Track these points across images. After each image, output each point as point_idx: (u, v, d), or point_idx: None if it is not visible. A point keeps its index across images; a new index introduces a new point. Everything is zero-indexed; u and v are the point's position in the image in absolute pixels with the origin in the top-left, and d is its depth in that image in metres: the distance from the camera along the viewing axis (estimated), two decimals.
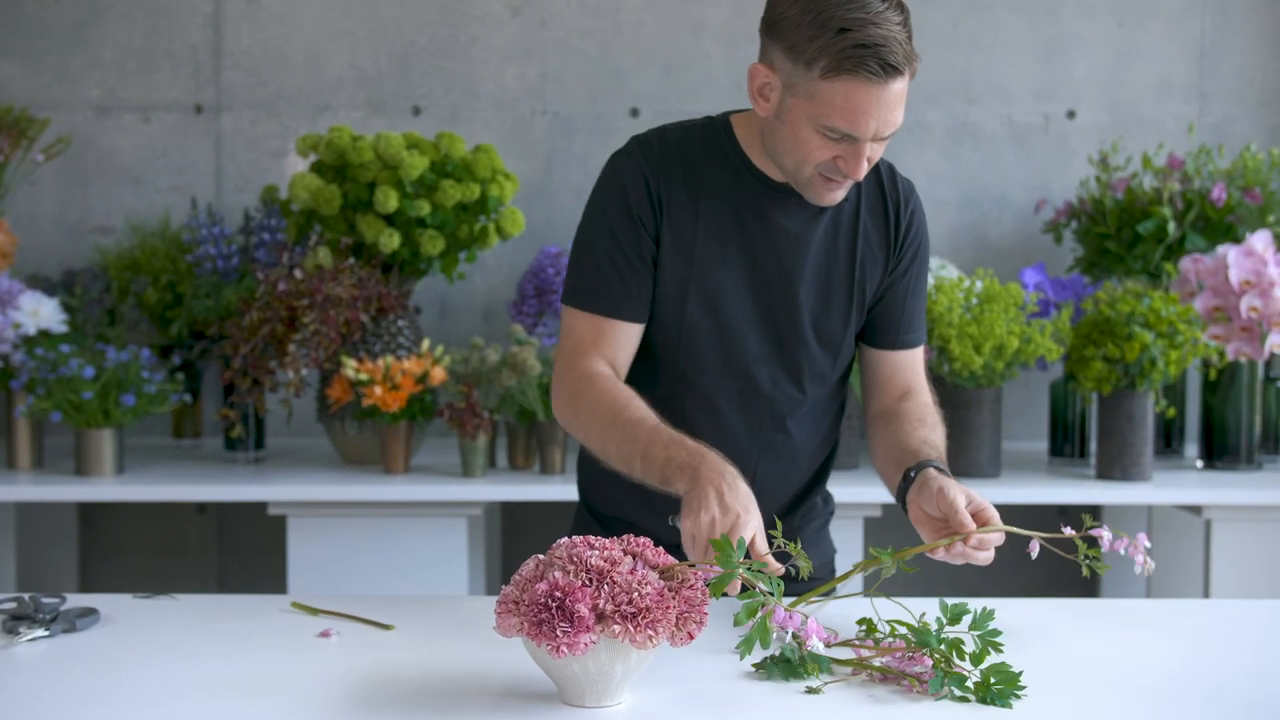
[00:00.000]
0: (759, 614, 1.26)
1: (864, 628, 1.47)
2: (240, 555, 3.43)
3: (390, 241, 2.77)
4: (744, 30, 3.39)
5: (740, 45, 3.39)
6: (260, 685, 1.36)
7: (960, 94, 3.41)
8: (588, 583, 1.24)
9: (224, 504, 3.39)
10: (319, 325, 2.68)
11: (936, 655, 1.35)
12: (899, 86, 1.56)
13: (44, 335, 2.79)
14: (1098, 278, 3.12)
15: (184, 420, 3.17)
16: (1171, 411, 2.92)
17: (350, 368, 2.69)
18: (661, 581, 1.27)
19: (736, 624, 1.26)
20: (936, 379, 3.01)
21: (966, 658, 1.35)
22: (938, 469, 1.62)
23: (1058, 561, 3.26)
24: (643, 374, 1.77)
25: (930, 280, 2.98)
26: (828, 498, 1.97)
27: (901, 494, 1.66)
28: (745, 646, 1.27)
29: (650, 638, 1.23)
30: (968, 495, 1.55)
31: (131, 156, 3.41)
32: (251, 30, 3.41)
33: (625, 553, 1.30)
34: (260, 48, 3.41)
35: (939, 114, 3.41)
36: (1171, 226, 2.95)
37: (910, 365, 1.83)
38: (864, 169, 1.60)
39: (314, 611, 1.64)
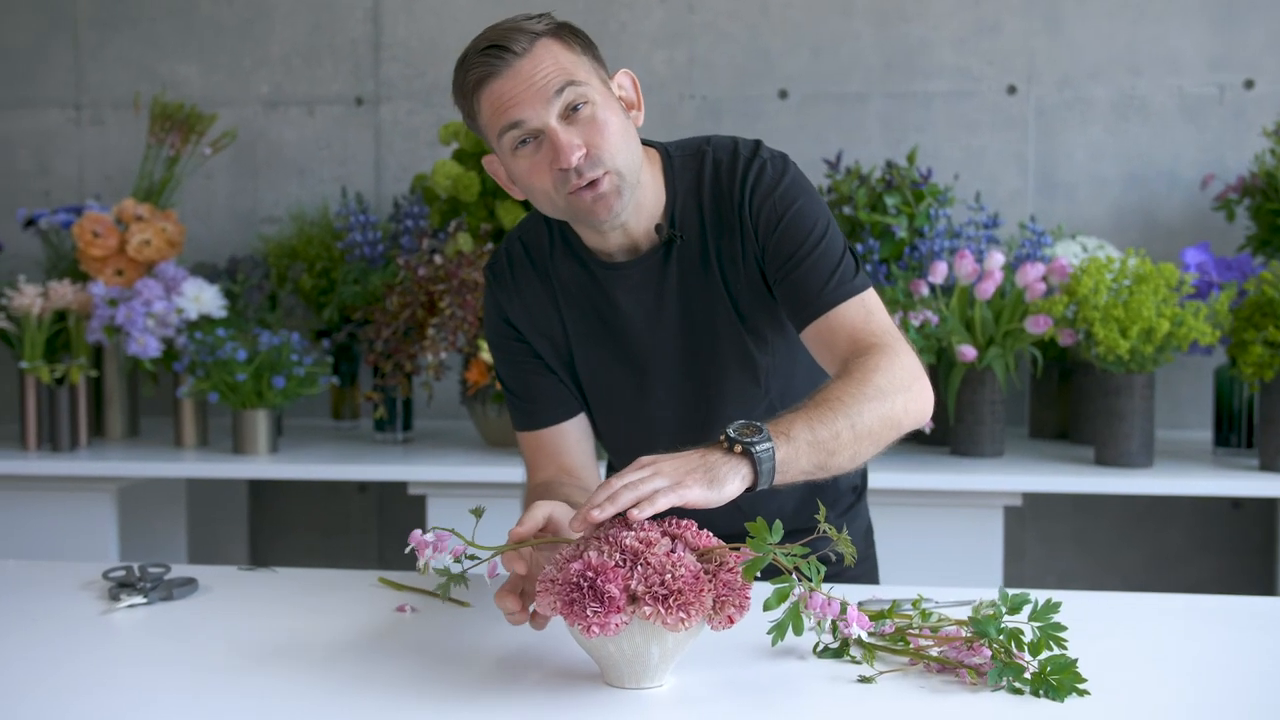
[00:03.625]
0: (790, 599, 1.23)
1: (918, 615, 1.42)
2: (398, 533, 3.54)
3: None
4: (894, 7, 3.31)
5: (891, 23, 3.31)
6: (327, 655, 1.41)
7: (1126, 66, 3.25)
8: (621, 563, 1.24)
9: (383, 483, 3.50)
10: (456, 309, 2.74)
11: (996, 646, 1.30)
12: (526, 61, 1.51)
13: (205, 320, 2.93)
14: (1270, 257, 2.94)
15: (342, 402, 3.28)
16: None
17: (486, 351, 2.74)
18: (699, 564, 1.25)
19: (766, 609, 1.24)
20: (1085, 364, 2.89)
21: (1025, 649, 1.29)
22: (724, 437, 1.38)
23: (1232, 558, 3.08)
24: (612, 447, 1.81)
25: (1076, 259, 2.87)
26: (851, 477, 1.89)
27: None
28: (778, 632, 1.24)
29: (683, 620, 1.22)
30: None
31: (297, 149, 3.55)
32: (409, 23, 3.50)
33: (665, 534, 1.29)
34: (417, 39, 3.50)
35: (1103, 88, 3.26)
36: None
37: (837, 328, 1.58)
38: (573, 155, 1.50)
39: (398, 587, 1.68)
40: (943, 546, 2.67)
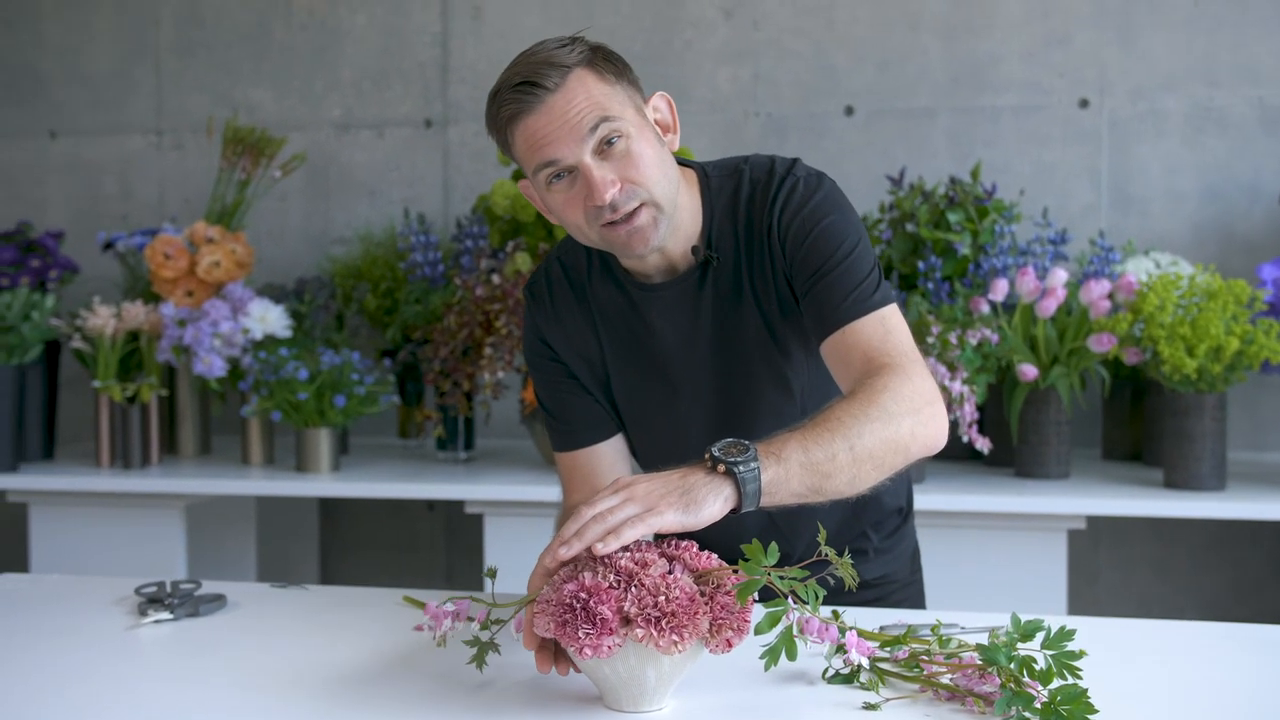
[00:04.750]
0: (781, 624, 1.21)
1: (935, 641, 1.39)
2: (465, 551, 3.56)
3: None
4: (962, 21, 3.26)
5: (958, 37, 3.27)
6: (337, 674, 1.41)
7: (1202, 77, 3.16)
8: (615, 585, 1.23)
9: (451, 502, 3.52)
10: (513, 329, 2.75)
11: (1005, 674, 1.26)
12: (559, 97, 1.48)
13: (270, 340, 2.98)
14: None
15: (408, 421, 3.31)
16: None
17: None
18: (695, 586, 1.24)
19: (757, 633, 1.21)
20: (1152, 383, 2.82)
21: (1038, 677, 1.25)
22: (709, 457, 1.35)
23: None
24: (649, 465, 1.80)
25: (1148, 276, 2.79)
26: (897, 494, 1.84)
27: None
28: (770, 657, 1.22)
29: (675, 643, 1.20)
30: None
31: (367, 171, 3.60)
32: (475, 45, 3.53)
33: (663, 555, 1.28)
34: (484, 62, 3.53)
35: (1177, 100, 3.17)
36: None
37: (853, 344, 1.54)
38: (607, 191, 1.49)
39: (420, 605, 1.68)
40: (1004, 571, 2.61)
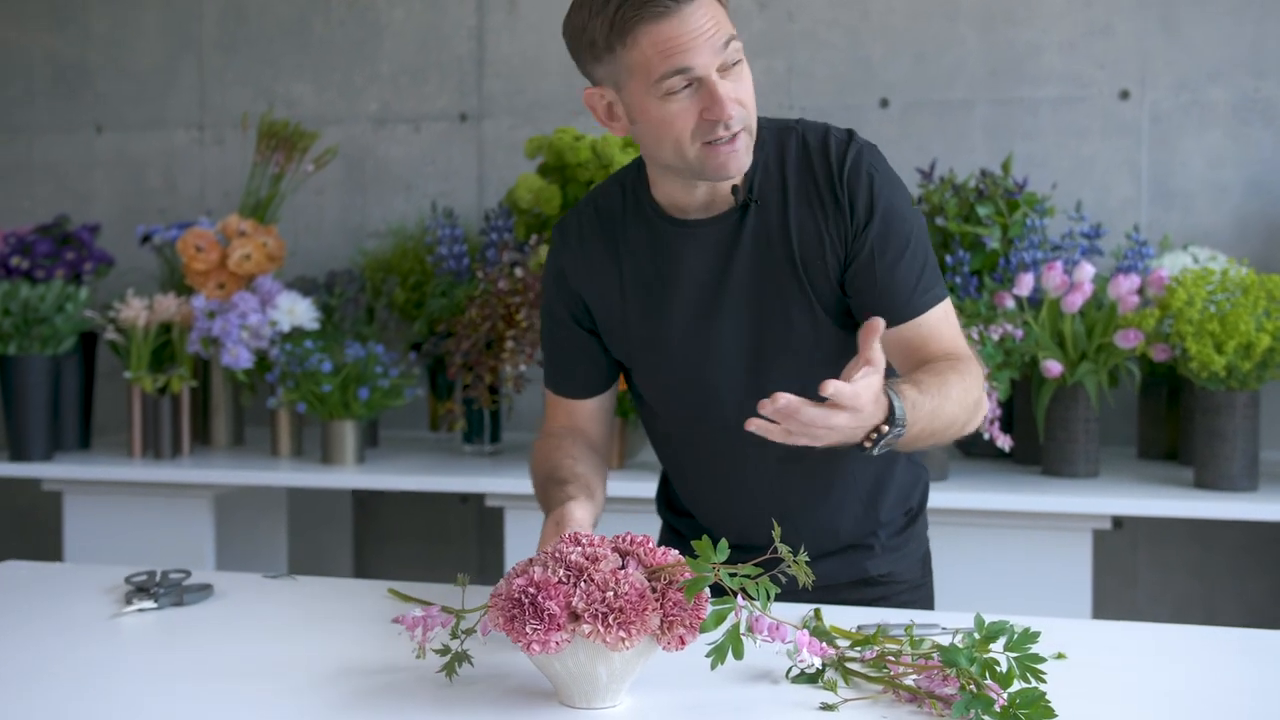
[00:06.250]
0: (727, 622, 1.18)
1: (907, 641, 1.36)
2: (497, 543, 3.56)
3: None
4: (1000, 10, 3.20)
5: (996, 27, 3.21)
6: (304, 666, 1.41)
7: (1248, 68, 3.08)
8: (564, 580, 1.21)
9: (483, 495, 3.53)
10: (533, 321, 2.75)
11: (965, 676, 1.22)
12: (695, 9, 1.49)
13: (298, 332, 3.00)
14: None
15: (438, 414, 3.32)
16: None
17: None
18: (647, 582, 1.22)
19: (703, 630, 1.19)
20: (1186, 380, 2.75)
21: (999, 680, 1.22)
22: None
23: None
24: (659, 432, 1.84)
25: (1178, 266, 2.72)
26: (908, 494, 1.85)
27: None
28: (717, 655, 1.19)
29: (623, 639, 1.18)
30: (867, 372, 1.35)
31: (404, 165, 3.61)
32: (511, 40, 3.53)
33: (617, 550, 1.26)
34: (519, 56, 3.53)
35: (1223, 90, 3.09)
36: None
37: (928, 336, 1.62)
38: (731, 108, 1.51)
39: (406, 599, 1.68)
40: (1028, 571, 2.56)
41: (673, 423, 1.79)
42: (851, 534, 1.79)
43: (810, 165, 1.63)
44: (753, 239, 1.64)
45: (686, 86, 1.51)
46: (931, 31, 3.26)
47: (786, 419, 1.30)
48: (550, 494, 1.66)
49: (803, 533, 1.69)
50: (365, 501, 3.65)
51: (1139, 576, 3.18)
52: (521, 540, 2.77)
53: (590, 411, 1.82)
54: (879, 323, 1.35)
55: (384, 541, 3.66)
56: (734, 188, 1.62)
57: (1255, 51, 3.07)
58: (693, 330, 1.68)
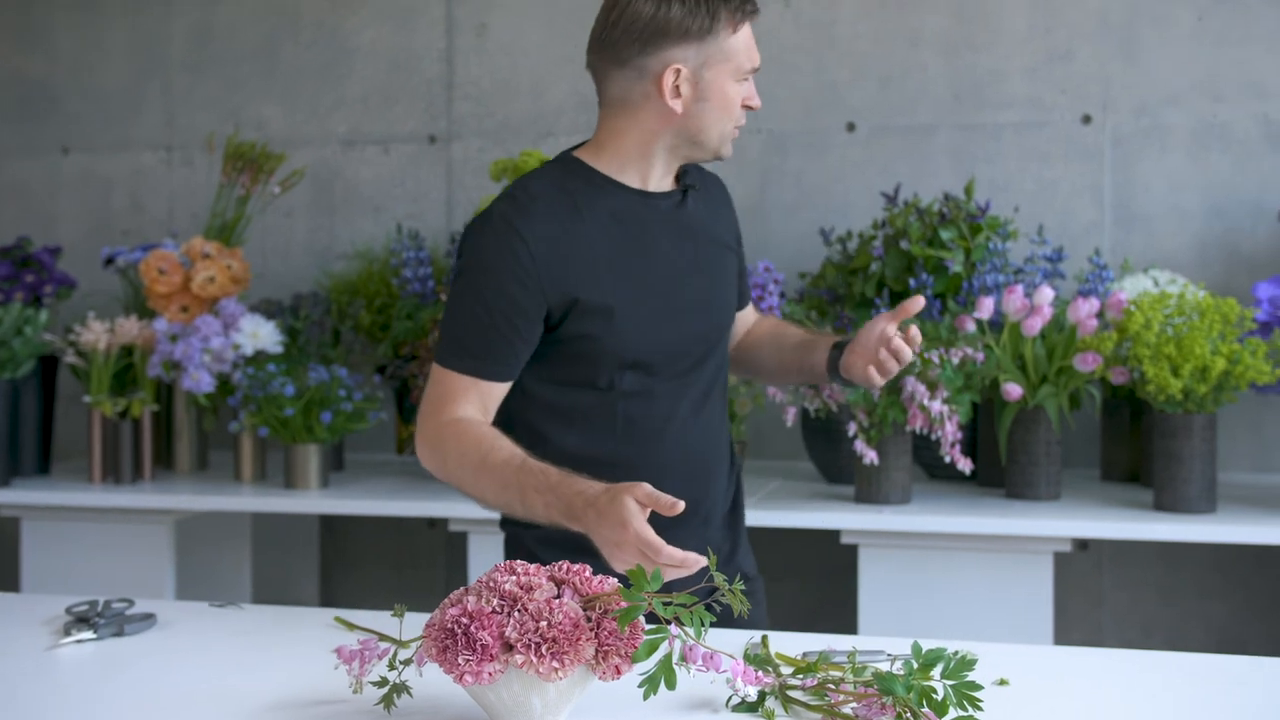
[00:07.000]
0: (659, 652, 1.18)
1: (849, 668, 1.35)
2: (465, 569, 3.54)
3: None
4: (963, 36, 3.22)
5: (960, 53, 3.22)
6: (236, 697, 1.40)
7: (1206, 92, 3.10)
8: (498, 609, 1.21)
9: (451, 519, 3.51)
10: None
11: (900, 703, 1.22)
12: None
13: (261, 355, 2.99)
14: None
15: (403, 437, 3.31)
16: None
17: None
18: (582, 612, 1.21)
19: (634, 660, 1.19)
20: (1147, 403, 2.76)
21: (935, 707, 1.22)
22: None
23: None
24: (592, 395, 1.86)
25: (1138, 289, 2.74)
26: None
27: (834, 361, 1.95)
28: (649, 685, 1.19)
29: (556, 669, 1.18)
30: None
31: (373, 187, 3.61)
32: (480, 62, 3.54)
33: (552, 579, 1.26)
34: (488, 78, 3.53)
35: (1181, 115, 3.11)
36: None
37: (751, 313, 2.19)
38: (758, 101, 1.88)
39: (351, 627, 1.67)
40: (989, 594, 2.55)
41: (631, 377, 1.84)
42: (726, 497, 2.00)
43: (699, 170, 2.00)
44: (696, 217, 1.94)
45: (747, 78, 1.83)
46: (896, 57, 3.27)
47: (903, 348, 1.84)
48: (501, 460, 1.67)
49: (713, 493, 1.93)
50: (332, 526, 3.63)
51: (1105, 598, 3.18)
52: (485, 565, 2.76)
53: (498, 397, 1.81)
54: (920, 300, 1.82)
55: (351, 567, 3.64)
56: (683, 171, 1.92)
57: (1213, 77, 3.10)
58: (675, 280, 1.88)
